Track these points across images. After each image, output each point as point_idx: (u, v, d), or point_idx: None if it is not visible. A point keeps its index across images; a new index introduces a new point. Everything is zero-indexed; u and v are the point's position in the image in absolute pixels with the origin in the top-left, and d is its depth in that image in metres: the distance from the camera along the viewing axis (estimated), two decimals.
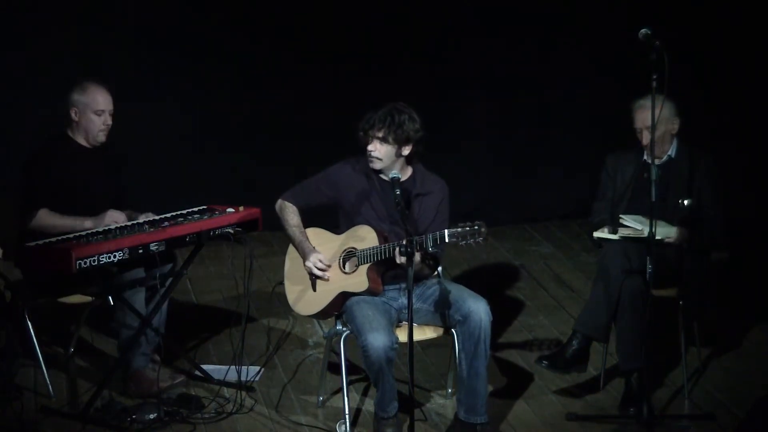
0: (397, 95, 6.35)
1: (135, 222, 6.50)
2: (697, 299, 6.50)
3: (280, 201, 6.36)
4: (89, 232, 6.34)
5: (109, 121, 6.63)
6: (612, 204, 6.66)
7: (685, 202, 6.49)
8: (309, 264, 6.21)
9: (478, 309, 6.03)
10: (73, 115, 6.61)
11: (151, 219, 6.56)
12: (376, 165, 6.16)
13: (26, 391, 6.55)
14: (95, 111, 6.58)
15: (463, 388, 6.09)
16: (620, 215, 6.50)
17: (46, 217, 6.48)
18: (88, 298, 6.57)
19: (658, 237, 6.12)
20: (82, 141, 6.66)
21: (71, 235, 6.30)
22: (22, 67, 8.61)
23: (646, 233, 6.31)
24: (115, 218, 6.51)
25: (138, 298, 6.55)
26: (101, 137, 6.64)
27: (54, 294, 6.58)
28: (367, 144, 6.13)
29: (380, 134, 6.09)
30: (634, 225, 6.40)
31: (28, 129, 8.37)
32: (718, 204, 6.57)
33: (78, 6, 8.66)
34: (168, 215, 6.64)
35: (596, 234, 6.53)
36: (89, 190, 6.61)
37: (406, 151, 6.14)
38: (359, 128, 6.15)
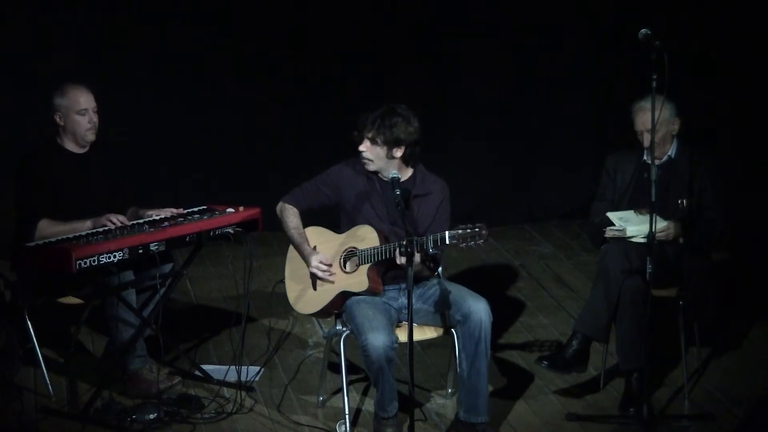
0: (397, 95, 6.35)
1: (135, 222, 6.50)
2: (697, 299, 6.50)
3: (280, 203, 6.36)
4: (89, 232, 6.34)
5: (95, 119, 6.60)
6: (612, 204, 6.66)
7: (685, 202, 6.50)
8: (313, 269, 6.22)
9: (479, 309, 6.03)
10: (58, 119, 6.59)
11: (166, 216, 6.59)
12: (369, 166, 6.16)
13: (26, 391, 6.55)
14: (78, 111, 6.56)
15: (463, 388, 6.09)
16: (607, 212, 6.50)
17: (47, 227, 6.45)
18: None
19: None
20: (71, 146, 6.64)
21: (71, 236, 6.30)
22: (19, 68, 8.61)
23: (628, 233, 6.34)
24: (112, 219, 6.48)
25: (130, 301, 6.54)
26: (90, 136, 6.62)
27: (53, 294, 6.58)
28: (360, 145, 6.14)
29: (369, 135, 6.11)
30: (618, 223, 6.41)
31: (24, 131, 8.37)
32: (719, 204, 6.57)
33: (76, 5, 8.66)
34: (196, 209, 6.66)
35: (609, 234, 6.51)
36: (80, 196, 6.58)
37: (398, 153, 6.13)
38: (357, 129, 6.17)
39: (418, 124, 6.11)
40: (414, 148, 6.13)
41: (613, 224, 6.46)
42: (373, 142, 6.10)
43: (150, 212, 6.67)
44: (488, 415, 6.11)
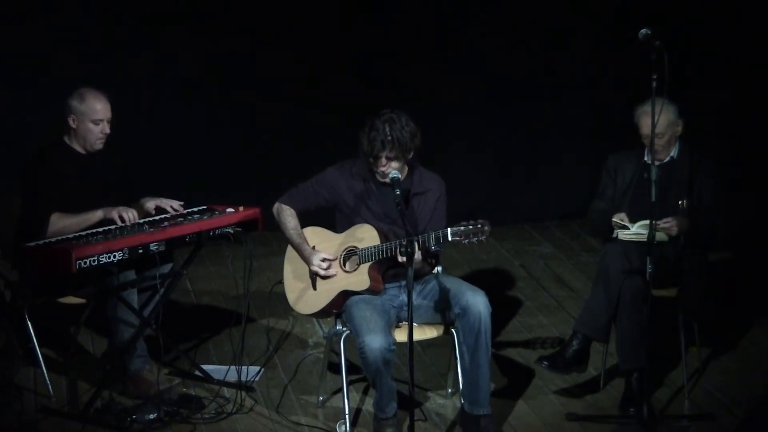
0: (397, 95, 6.36)
1: (135, 222, 6.49)
2: (697, 299, 6.50)
3: (277, 205, 6.36)
4: (89, 232, 6.33)
5: (107, 130, 6.59)
6: (612, 203, 6.65)
7: (685, 203, 6.49)
8: (314, 268, 6.21)
9: (477, 301, 6.03)
10: (71, 122, 6.59)
11: (167, 207, 6.61)
12: (388, 177, 6.14)
13: (26, 391, 6.56)
14: (93, 120, 6.55)
15: (466, 382, 6.09)
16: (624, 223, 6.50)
17: (58, 221, 6.44)
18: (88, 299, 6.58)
19: (657, 239, 6.13)
20: (79, 148, 6.64)
21: (71, 235, 6.30)
22: (22, 68, 8.61)
23: (633, 230, 6.36)
24: (121, 212, 6.47)
25: (131, 300, 6.54)
26: (98, 145, 6.61)
27: (53, 294, 6.58)
28: (379, 166, 6.10)
29: (392, 155, 6.06)
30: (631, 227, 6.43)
31: (27, 130, 8.37)
32: (719, 204, 6.56)
33: (76, 5, 8.67)
34: (196, 209, 6.66)
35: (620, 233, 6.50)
36: (86, 195, 6.58)
37: (411, 154, 6.15)
38: (366, 154, 6.06)
39: (412, 122, 6.12)
40: (419, 148, 6.15)
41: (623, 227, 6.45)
42: (397, 159, 6.07)
43: (151, 202, 6.67)
44: (491, 407, 6.11)
